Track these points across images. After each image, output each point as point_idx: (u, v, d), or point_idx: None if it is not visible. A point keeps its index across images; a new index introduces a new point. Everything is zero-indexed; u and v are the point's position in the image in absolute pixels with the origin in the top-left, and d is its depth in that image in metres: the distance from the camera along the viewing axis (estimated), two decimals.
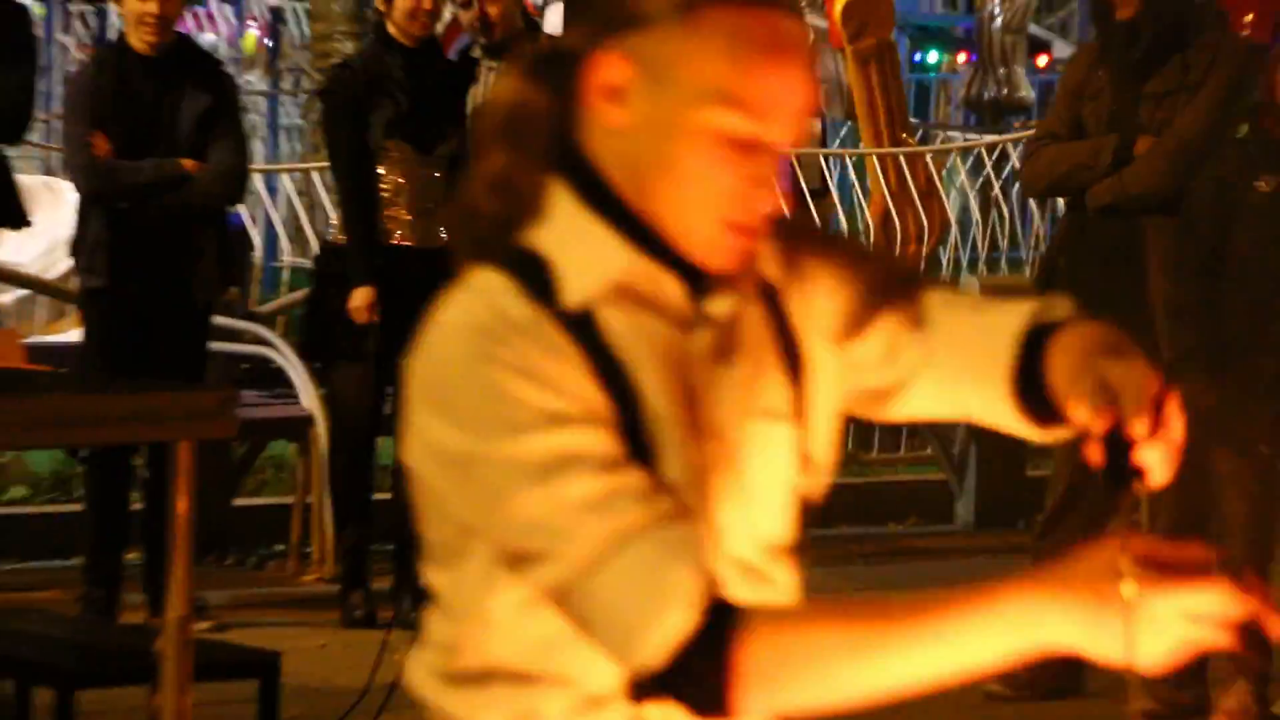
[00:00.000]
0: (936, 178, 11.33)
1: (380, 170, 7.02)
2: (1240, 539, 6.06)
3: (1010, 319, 2.06)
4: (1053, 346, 2.01)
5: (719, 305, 2.03)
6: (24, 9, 7.20)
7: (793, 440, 2.06)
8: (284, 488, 8.48)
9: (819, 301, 2.09)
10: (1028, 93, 15.65)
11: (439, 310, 1.99)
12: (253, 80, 15.60)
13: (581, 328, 1.96)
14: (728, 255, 1.99)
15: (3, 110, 6.75)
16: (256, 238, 10.52)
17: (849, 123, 11.95)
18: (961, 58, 16.92)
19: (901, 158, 11.06)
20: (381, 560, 7.25)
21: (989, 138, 13.02)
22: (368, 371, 6.98)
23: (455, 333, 1.96)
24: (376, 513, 7.16)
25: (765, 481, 2.05)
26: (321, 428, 7.60)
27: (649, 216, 1.99)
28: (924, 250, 11.10)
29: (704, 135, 1.96)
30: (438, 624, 2.06)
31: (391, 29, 7.04)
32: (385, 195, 7.05)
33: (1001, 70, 15.24)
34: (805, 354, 2.08)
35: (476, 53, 7.29)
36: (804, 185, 10.38)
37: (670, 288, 2.01)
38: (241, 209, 9.15)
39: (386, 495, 7.28)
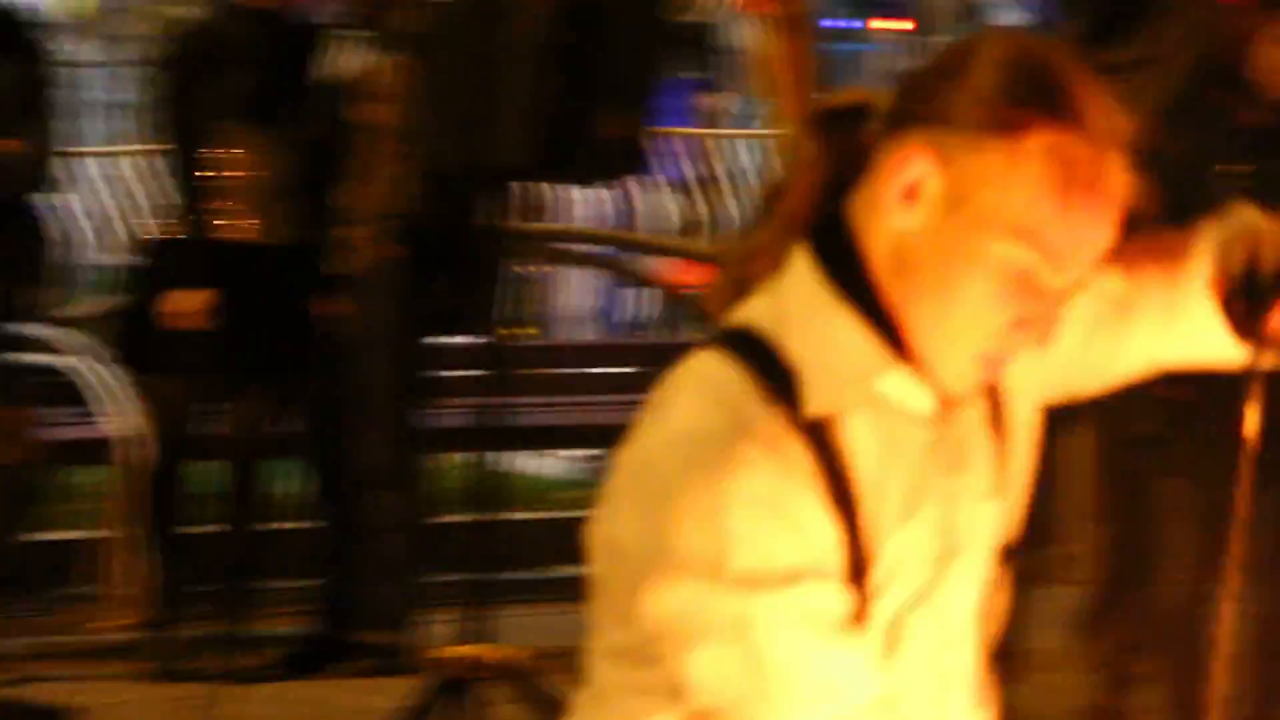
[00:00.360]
0: None
1: (218, 154, 6.71)
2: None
3: (1196, 266, 2.21)
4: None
5: (960, 415, 2.05)
6: None
7: (999, 519, 2.11)
8: (85, 520, 8.30)
9: None
10: None
11: (663, 397, 1.97)
12: (69, 49, 15.22)
13: (820, 438, 1.95)
14: (967, 385, 2.00)
15: None
16: (64, 232, 10.26)
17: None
18: (909, 25, 17.19)
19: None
20: (201, 603, 7.01)
21: None
22: (190, 385, 6.82)
23: (683, 437, 1.93)
24: (195, 549, 6.96)
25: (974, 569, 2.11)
26: (133, 451, 7.28)
27: (899, 317, 1.98)
28: None
29: (992, 266, 1.94)
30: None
31: None
32: (223, 184, 6.74)
33: (940, 39, 15.64)
34: (1011, 422, 2.13)
35: (329, 20, 6.97)
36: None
37: (919, 394, 2.00)
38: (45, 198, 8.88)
39: (209, 528, 7.07)
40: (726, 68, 13.77)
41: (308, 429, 6.92)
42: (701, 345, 2.00)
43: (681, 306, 10.60)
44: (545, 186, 9.68)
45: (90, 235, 11.39)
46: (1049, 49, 2.00)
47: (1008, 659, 5.81)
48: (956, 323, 1.96)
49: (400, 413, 6.85)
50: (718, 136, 13.05)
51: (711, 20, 13.51)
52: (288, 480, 7.18)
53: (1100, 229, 1.96)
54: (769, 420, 1.92)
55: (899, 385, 1.99)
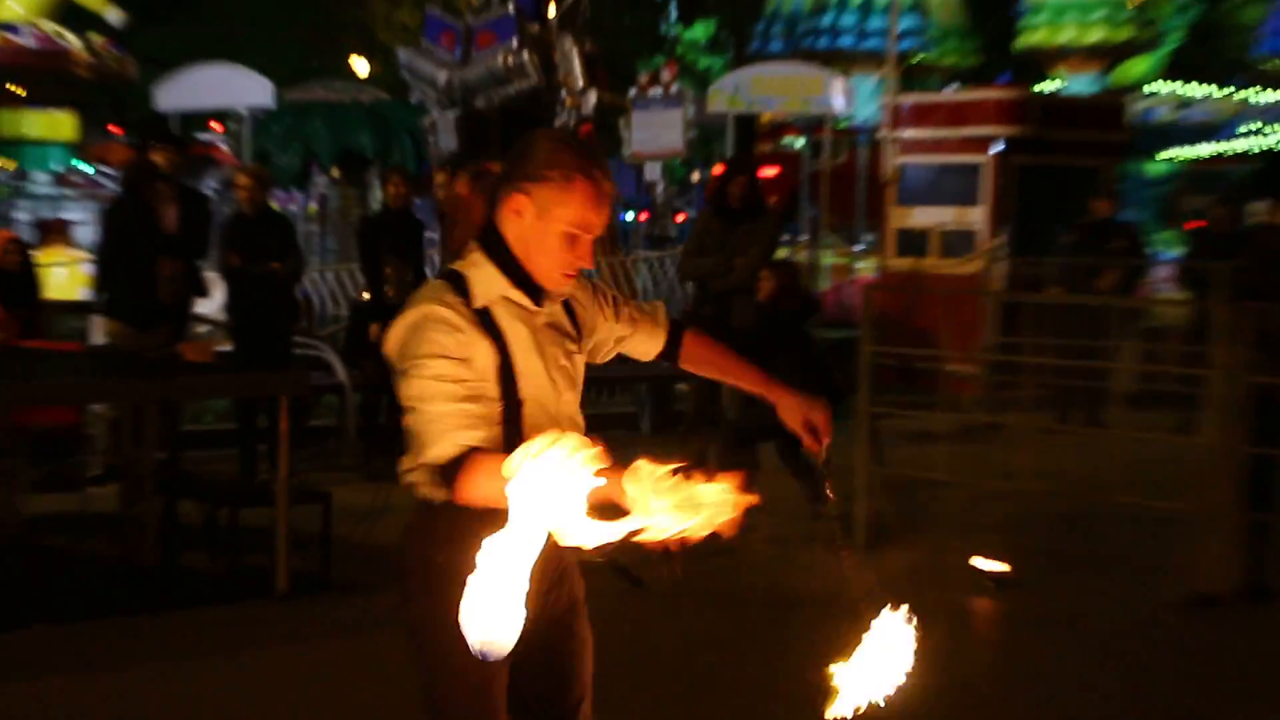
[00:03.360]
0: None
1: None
2: None
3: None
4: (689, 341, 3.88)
5: (551, 304, 3.63)
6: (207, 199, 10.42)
7: (579, 363, 3.67)
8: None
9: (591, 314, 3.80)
10: (673, 232, 23.33)
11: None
12: None
13: (484, 318, 3.44)
14: (558, 286, 3.58)
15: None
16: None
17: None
18: (643, 216, 24.11)
19: (628, 264, 17.19)
20: None
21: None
22: None
23: (411, 309, 3.47)
24: None
25: (569, 384, 3.64)
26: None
27: (525, 263, 3.50)
28: None
29: (560, 236, 3.46)
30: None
31: None
32: None
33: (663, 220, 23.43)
34: (581, 325, 3.72)
35: None
36: None
37: (525, 297, 3.55)
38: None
39: None
40: None
41: None
42: (436, 276, 3.41)
43: None
44: None
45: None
46: (574, 138, 3.47)
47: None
48: (548, 259, 3.45)
49: None
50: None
51: None
52: None
53: (604, 215, 3.39)
54: (456, 303, 3.37)
55: (514, 294, 3.45)
